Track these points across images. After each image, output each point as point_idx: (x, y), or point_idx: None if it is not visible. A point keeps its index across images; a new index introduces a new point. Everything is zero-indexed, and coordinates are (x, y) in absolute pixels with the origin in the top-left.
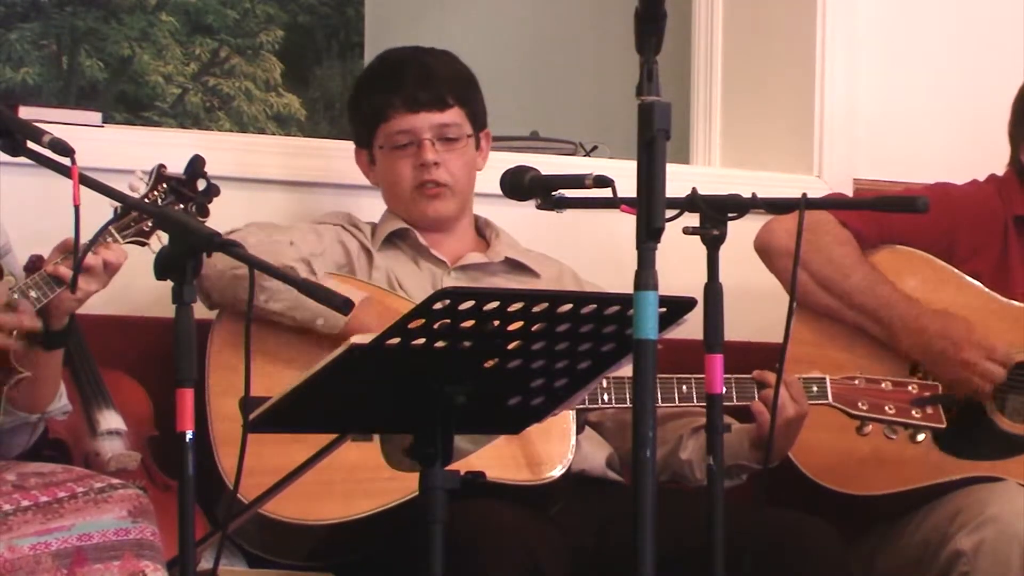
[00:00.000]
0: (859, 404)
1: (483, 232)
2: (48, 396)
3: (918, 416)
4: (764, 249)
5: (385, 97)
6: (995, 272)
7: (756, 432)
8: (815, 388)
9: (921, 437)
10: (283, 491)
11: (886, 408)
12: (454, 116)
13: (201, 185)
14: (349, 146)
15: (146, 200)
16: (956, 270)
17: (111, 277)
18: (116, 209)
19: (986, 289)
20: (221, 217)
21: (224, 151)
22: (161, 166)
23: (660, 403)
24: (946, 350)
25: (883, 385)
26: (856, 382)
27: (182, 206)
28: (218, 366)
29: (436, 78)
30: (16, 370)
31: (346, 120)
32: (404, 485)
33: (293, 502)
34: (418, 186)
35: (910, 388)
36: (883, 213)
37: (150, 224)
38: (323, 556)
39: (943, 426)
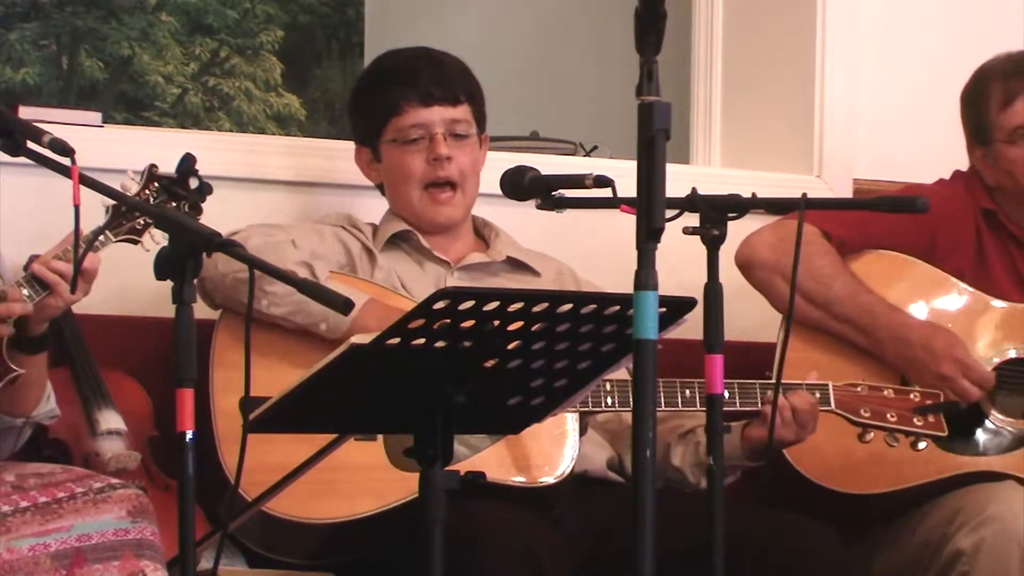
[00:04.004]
0: (861, 411)
1: (481, 232)
2: (33, 400)
3: (920, 424)
4: (746, 264)
5: (400, 90)
6: (976, 267)
7: (749, 427)
8: (817, 394)
9: (923, 445)
10: (285, 489)
11: (888, 416)
12: (464, 113)
13: (193, 183)
14: (352, 146)
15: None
16: (940, 271)
17: (90, 284)
18: (108, 208)
19: (971, 288)
20: (222, 217)
21: (224, 151)
22: (152, 166)
23: (663, 407)
24: (925, 361)
25: (885, 393)
26: (859, 389)
27: (175, 205)
28: (222, 364)
29: (449, 75)
30: (10, 368)
31: (346, 120)
32: (407, 485)
33: (295, 500)
34: (429, 186)
35: (912, 396)
36: (865, 219)
37: (142, 222)
38: (324, 555)
39: (944, 434)
